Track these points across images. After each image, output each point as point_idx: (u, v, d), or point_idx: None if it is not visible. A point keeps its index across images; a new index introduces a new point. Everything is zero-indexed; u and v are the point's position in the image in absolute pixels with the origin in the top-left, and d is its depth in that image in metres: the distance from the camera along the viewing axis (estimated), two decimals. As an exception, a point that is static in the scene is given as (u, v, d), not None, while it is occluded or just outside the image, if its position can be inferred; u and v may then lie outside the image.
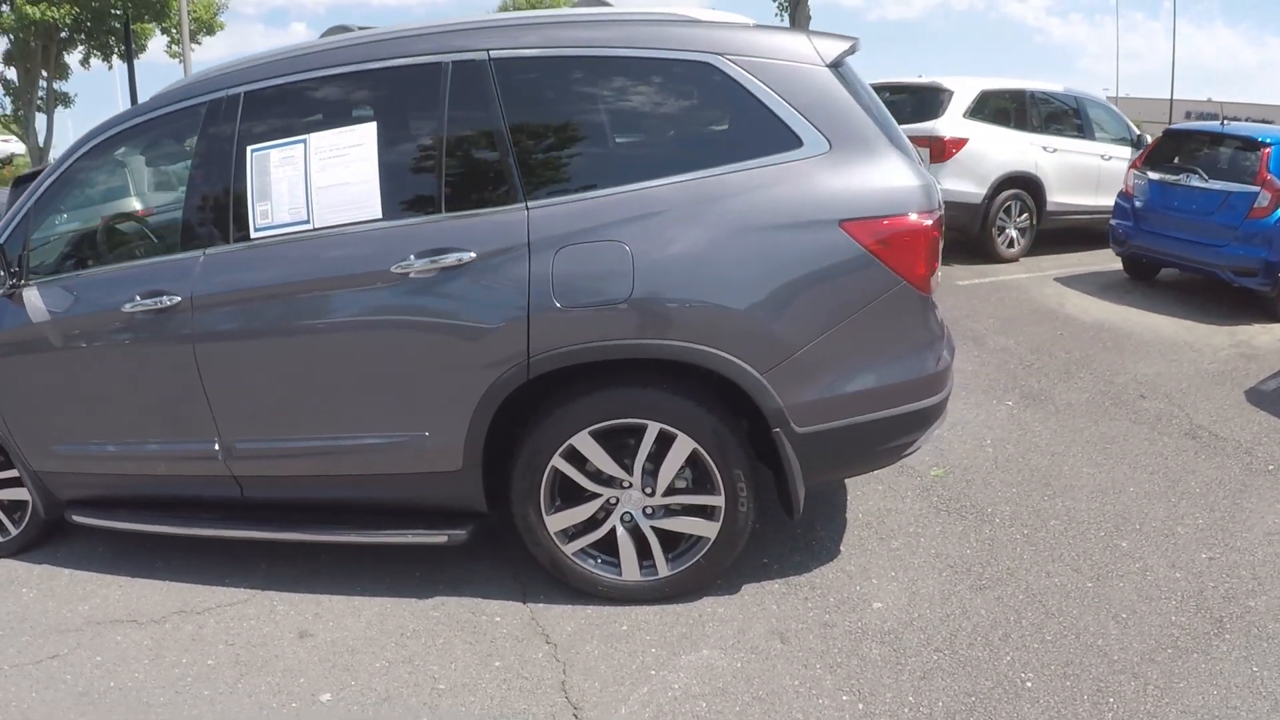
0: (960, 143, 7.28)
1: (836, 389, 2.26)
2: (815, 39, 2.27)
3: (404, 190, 2.30)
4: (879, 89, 8.77)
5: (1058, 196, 7.54)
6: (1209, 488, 3.16)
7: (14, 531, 2.88)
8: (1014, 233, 7.54)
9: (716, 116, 2.29)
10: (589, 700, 2.13)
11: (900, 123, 9.21)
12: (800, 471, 2.32)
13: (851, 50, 2.36)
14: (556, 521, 2.42)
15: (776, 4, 14.20)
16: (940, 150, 7.32)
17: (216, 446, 2.50)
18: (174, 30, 19.19)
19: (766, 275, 2.17)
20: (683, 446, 2.28)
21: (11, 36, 18.56)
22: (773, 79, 2.19)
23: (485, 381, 2.24)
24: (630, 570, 2.44)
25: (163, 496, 2.69)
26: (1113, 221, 6.41)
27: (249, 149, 2.33)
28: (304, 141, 2.30)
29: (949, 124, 7.29)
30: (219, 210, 2.37)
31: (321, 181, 2.28)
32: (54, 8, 17.36)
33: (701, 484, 2.37)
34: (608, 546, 2.45)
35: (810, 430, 2.27)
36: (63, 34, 19.32)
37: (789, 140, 2.19)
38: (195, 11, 19.51)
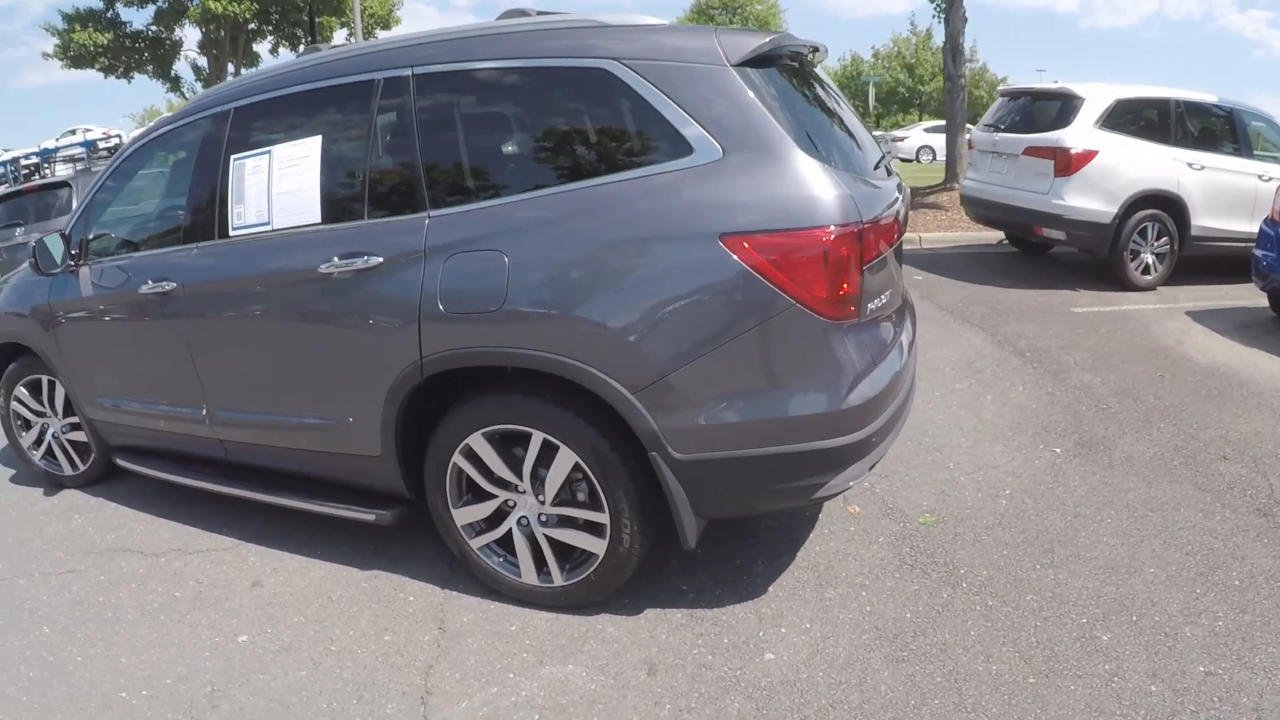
0: (1088, 155, 6.29)
1: (719, 417, 2.03)
2: (722, 36, 2.02)
3: (339, 197, 2.38)
4: (1013, 94, 7.81)
5: (1204, 220, 6.28)
6: (1253, 582, 2.46)
7: (82, 468, 3.38)
8: (1150, 258, 6.39)
9: (611, 124, 2.11)
10: (441, 689, 2.10)
11: (1027, 131, 8.00)
12: (687, 501, 2.14)
13: (771, 46, 2.06)
14: (462, 516, 2.41)
15: (934, 5, 13.09)
16: (1065, 163, 6.36)
17: (204, 412, 2.78)
18: (352, 24, 20.06)
19: (638, 291, 1.99)
20: (565, 458, 2.17)
21: (201, 28, 20.17)
22: (666, 82, 1.99)
23: (389, 378, 2.28)
24: (528, 574, 2.38)
25: (178, 450, 3.05)
26: (1256, 251, 5.19)
27: (232, 157, 2.56)
28: (269, 152, 2.48)
29: (1076, 134, 6.32)
30: (210, 210, 2.61)
31: (280, 188, 2.44)
32: (235, 2, 18.54)
33: (594, 499, 2.27)
34: (512, 547, 2.41)
35: (692, 458, 2.06)
36: (250, 26, 20.70)
37: (679, 147, 1.98)
38: (371, 8, 20.32)
